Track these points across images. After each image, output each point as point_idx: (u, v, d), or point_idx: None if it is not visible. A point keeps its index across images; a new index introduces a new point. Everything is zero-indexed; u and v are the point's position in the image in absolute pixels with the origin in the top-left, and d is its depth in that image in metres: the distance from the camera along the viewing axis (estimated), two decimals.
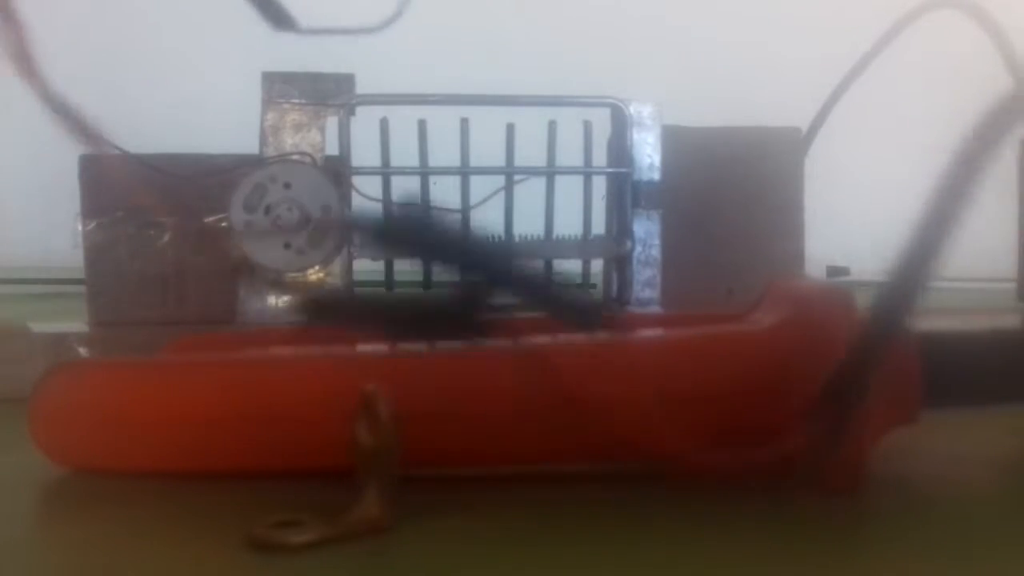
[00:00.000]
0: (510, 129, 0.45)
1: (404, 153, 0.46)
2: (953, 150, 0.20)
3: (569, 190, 0.46)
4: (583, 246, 0.46)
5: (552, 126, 0.45)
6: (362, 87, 0.45)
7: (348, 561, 0.22)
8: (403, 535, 0.24)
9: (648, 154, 0.45)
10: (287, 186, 0.42)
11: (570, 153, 0.46)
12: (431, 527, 0.24)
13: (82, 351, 0.42)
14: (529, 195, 0.46)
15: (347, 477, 0.24)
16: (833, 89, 0.53)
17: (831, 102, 0.53)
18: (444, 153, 0.46)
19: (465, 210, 0.46)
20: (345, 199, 0.43)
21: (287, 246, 0.42)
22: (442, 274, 0.48)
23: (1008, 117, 0.20)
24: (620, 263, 0.46)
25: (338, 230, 0.42)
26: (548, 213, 0.46)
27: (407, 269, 0.47)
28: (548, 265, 0.48)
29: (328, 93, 0.44)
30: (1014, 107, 0.20)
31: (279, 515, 0.23)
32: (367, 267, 0.47)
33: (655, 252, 0.45)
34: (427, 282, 0.48)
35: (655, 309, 0.45)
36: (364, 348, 0.31)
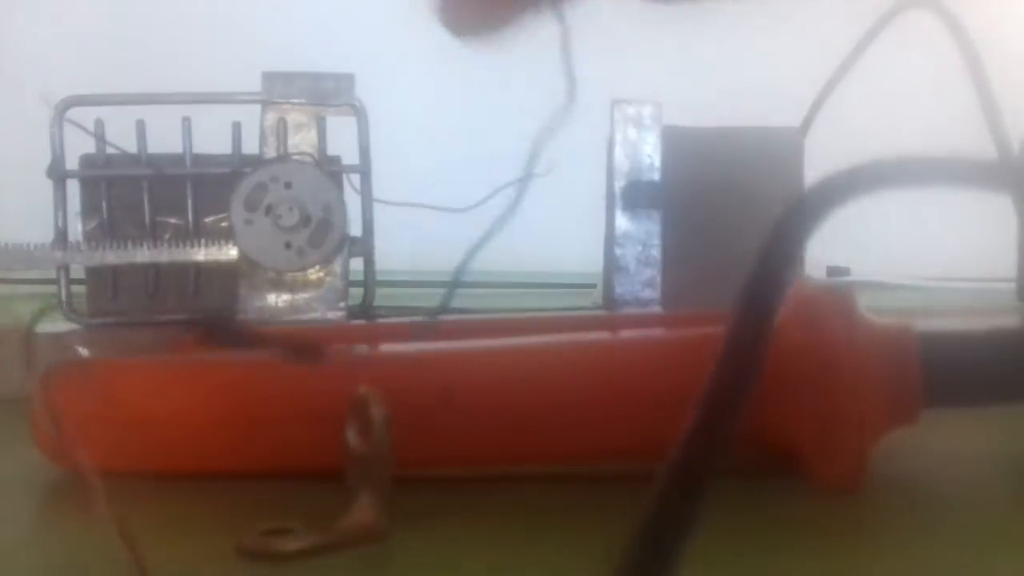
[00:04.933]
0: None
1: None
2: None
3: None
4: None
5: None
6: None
7: (341, 569, 0.22)
8: (398, 541, 0.23)
9: (648, 154, 0.45)
10: (287, 186, 0.42)
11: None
12: (427, 532, 0.24)
13: (82, 351, 0.42)
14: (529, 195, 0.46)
15: (343, 480, 0.24)
16: (817, 93, 0.52)
17: (819, 102, 0.52)
18: (444, 153, 0.46)
19: (465, 210, 0.46)
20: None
21: (287, 246, 0.42)
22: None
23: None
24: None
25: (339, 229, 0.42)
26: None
27: (393, 268, 0.47)
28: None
29: (328, 93, 0.44)
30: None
31: (270, 523, 0.23)
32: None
33: (655, 252, 0.45)
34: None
35: (655, 309, 0.45)
36: (363, 348, 0.31)
